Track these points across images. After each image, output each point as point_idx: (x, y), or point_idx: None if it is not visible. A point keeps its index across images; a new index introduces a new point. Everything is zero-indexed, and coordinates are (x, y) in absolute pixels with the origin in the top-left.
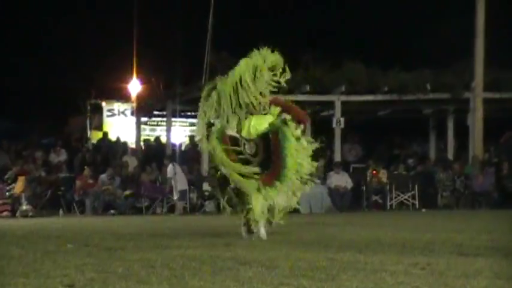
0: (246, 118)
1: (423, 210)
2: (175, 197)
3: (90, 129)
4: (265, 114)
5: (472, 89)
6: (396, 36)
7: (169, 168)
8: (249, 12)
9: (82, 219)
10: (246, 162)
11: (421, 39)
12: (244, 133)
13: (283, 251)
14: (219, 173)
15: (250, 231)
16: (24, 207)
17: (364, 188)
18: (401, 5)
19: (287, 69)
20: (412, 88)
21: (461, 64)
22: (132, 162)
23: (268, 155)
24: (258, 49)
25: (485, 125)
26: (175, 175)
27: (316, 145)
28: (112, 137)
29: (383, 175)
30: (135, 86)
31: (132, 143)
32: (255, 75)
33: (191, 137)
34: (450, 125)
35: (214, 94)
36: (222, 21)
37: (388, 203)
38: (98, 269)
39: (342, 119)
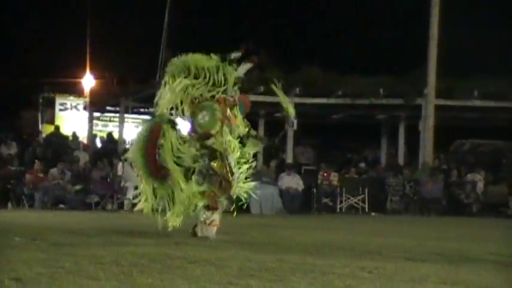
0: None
1: (372, 214)
2: (127, 195)
3: (42, 122)
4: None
5: (424, 95)
6: (352, 41)
7: (119, 166)
8: (206, 12)
9: (31, 213)
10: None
11: (376, 45)
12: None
13: (232, 251)
14: None
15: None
16: None
17: (315, 191)
18: (358, 11)
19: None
20: (365, 93)
21: (414, 71)
22: (83, 157)
23: None
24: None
25: (436, 132)
26: (124, 173)
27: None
28: (64, 131)
29: (334, 178)
30: (88, 81)
31: (83, 138)
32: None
33: None
34: (402, 130)
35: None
36: (178, 19)
37: (338, 206)
38: (46, 264)
39: (295, 121)
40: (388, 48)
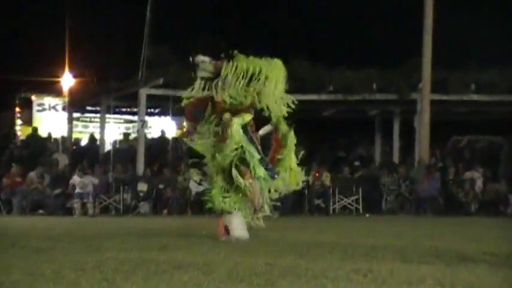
0: None
1: (367, 215)
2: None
3: (19, 124)
4: None
5: (419, 90)
6: (342, 34)
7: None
8: (189, 7)
9: (9, 219)
10: None
11: (368, 38)
12: None
13: (221, 255)
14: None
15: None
16: None
17: (307, 191)
18: (349, 3)
19: None
20: (357, 88)
21: (408, 64)
22: (62, 160)
23: None
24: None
25: (431, 128)
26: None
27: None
28: (42, 132)
29: (326, 178)
30: (67, 80)
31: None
32: None
33: (125, 135)
34: (396, 126)
35: None
36: (159, 15)
37: (331, 207)
38: (25, 271)
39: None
40: (377, 39)
